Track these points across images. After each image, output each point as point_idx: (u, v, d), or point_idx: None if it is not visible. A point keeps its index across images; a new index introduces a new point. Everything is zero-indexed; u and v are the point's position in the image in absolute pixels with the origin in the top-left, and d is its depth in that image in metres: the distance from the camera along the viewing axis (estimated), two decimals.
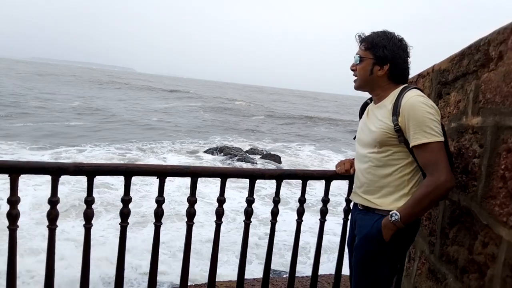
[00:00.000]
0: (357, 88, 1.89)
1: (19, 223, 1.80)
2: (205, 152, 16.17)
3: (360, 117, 2.03)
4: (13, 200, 1.75)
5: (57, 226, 1.85)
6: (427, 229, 2.20)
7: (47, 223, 1.84)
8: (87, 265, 1.92)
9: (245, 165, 13.36)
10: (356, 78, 1.86)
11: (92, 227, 1.92)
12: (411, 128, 1.65)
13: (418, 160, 1.70)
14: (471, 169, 1.77)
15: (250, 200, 2.17)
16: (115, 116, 22.36)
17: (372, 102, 1.93)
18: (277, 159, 15.89)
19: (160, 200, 2.00)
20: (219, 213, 2.13)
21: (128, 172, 1.91)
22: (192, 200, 2.06)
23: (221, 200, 2.11)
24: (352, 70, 1.87)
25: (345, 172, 2.11)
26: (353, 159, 2.17)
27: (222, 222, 2.16)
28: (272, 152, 16.79)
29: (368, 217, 1.83)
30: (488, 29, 1.70)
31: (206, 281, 2.24)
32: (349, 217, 2.09)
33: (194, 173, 2.04)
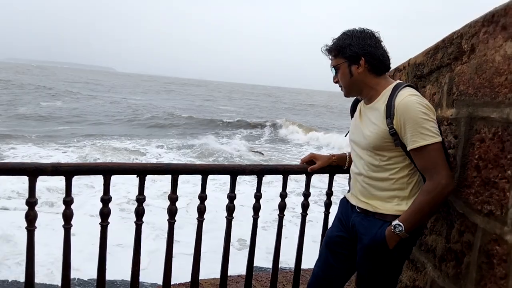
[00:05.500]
0: (347, 95, 1.84)
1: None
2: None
3: (352, 114, 1.97)
4: None
5: (36, 228, 1.82)
6: None
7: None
8: (67, 266, 1.90)
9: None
10: (341, 87, 1.82)
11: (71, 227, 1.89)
12: (408, 131, 1.59)
13: (417, 163, 1.65)
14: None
15: (231, 197, 2.17)
16: None
17: (363, 102, 1.87)
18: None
19: (140, 199, 1.98)
20: (201, 210, 2.12)
21: (107, 171, 1.89)
22: (173, 197, 2.05)
23: (202, 197, 2.11)
24: (336, 83, 1.83)
25: (301, 164, 2.22)
26: (319, 155, 2.25)
27: (204, 219, 2.15)
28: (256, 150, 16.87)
29: (369, 223, 1.76)
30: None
31: (189, 279, 2.24)
32: (338, 214, 1.99)
33: (175, 171, 2.04)
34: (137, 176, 1.97)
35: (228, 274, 2.31)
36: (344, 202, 1.98)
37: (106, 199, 1.91)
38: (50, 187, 7.90)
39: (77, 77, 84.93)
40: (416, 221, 1.64)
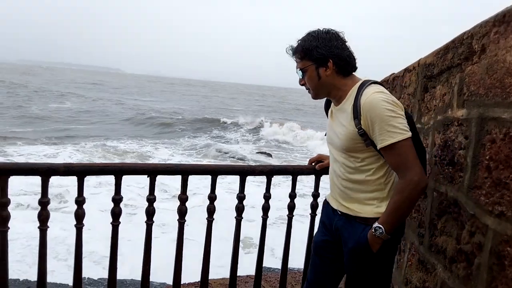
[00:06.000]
0: (315, 97, 1.81)
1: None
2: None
3: (327, 113, 1.95)
4: (4, 202, 1.74)
5: (48, 227, 1.85)
6: (416, 221, 2.23)
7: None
8: (79, 265, 1.92)
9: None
10: (309, 90, 1.79)
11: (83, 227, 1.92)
12: (376, 130, 1.58)
13: (388, 162, 1.64)
14: (457, 161, 1.80)
15: (241, 197, 2.19)
16: None
17: (333, 103, 1.85)
18: (268, 156, 15.94)
19: (151, 199, 2.00)
20: (211, 210, 2.14)
21: (118, 171, 1.91)
22: (183, 197, 2.06)
23: (212, 197, 2.12)
24: (302, 85, 1.79)
25: (310, 164, 2.21)
26: (326, 155, 2.18)
27: (213, 219, 2.17)
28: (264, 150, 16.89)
29: (352, 227, 1.76)
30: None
31: (199, 279, 2.25)
32: (321, 217, 1.99)
33: (185, 171, 2.05)
34: (147, 177, 1.98)
35: (237, 274, 2.32)
36: (326, 204, 1.97)
37: (117, 199, 1.93)
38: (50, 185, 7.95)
39: (86, 78, 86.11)
40: (395, 221, 1.63)
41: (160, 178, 2.00)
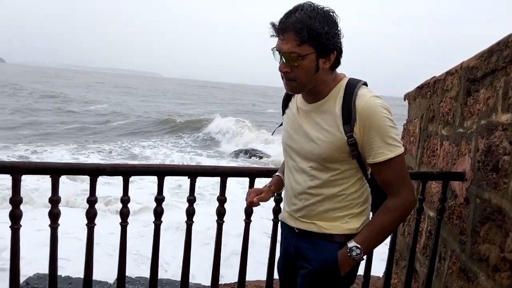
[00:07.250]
0: (298, 91, 1.47)
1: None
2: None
3: (283, 110, 1.65)
4: (54, 200, 1.84)
5: (95, 224, 1.93)
6: (458, 228, 2.19)
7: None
8: (123, 263, 2.00)
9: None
10: (293, 81, 1.40)
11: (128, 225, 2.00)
12: (374, 141, 1.34)
13: (380, 177, 1.41)
14: (502, 167, 1.76)
15: (278, 200, 2.21)
16: None
17: (300, 98, 1.52)
18: None
19: (191, 199, 2.06)
20: (248, 212, 2.17)
21: (161, 172, 1.98)
22: (221, 199, 2.11)
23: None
24: (284, 72, 1.39)
25: (250, 205, 1.73)
26: (258, 190, 1.73)
27: (251, 221, 2.20)
28: None
29: (315, 246, 1.50)
30: None
31: (236, 281, 2.29)
32: (280, 240, 1.78)
33: (223, 173, 2.10)
34: (188, 178, 2.04)
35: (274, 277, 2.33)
36: (281, 224, 1.73)
37: (159, 199, 2.00)
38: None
39: (119, 82, 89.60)
40: (377, 243, 1.43)
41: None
